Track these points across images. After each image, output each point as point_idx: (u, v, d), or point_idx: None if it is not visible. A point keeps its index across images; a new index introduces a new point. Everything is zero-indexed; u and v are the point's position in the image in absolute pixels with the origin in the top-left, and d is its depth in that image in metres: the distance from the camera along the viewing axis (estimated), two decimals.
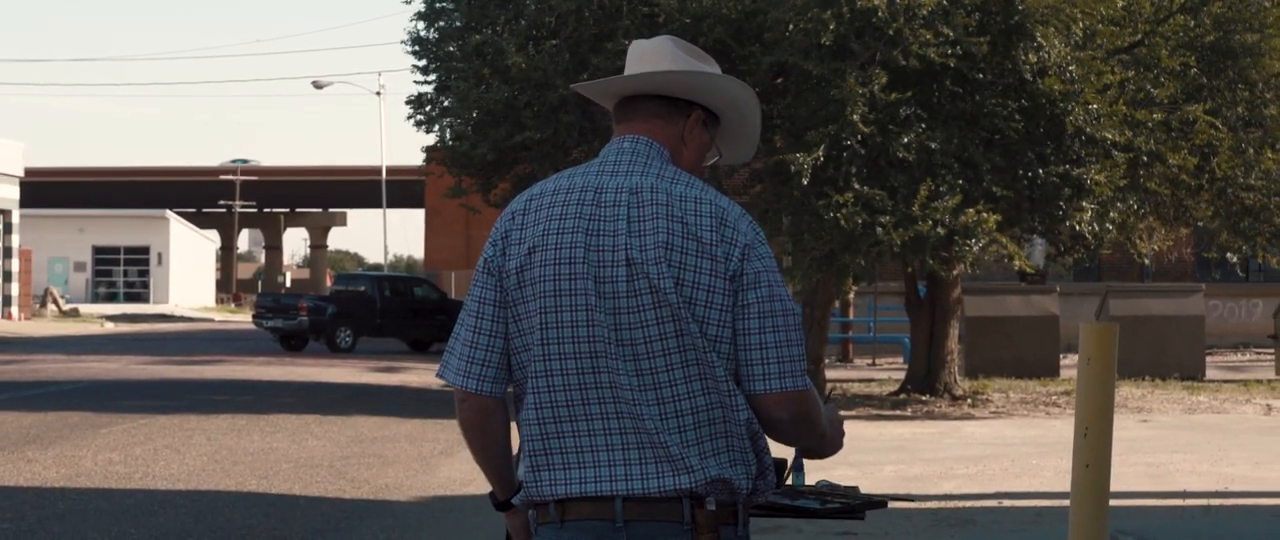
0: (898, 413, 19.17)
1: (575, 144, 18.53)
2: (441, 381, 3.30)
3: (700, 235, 3.15)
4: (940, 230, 16.41)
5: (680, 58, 3.33)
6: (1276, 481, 12.32)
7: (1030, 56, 16.75)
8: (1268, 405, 19.87)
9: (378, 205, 59.87)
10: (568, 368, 3.17)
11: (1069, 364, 24.73)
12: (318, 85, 56.01)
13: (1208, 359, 26.45)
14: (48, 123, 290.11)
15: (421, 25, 19.80)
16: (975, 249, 17.11)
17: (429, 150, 22.37)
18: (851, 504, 4.05)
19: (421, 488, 12.18)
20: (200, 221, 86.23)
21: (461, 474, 12.69)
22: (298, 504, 11.21)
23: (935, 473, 12.83)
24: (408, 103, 20.09)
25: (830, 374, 24.03)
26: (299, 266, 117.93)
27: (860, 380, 24.68)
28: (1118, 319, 23.87)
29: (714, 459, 3.16)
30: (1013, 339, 24.73)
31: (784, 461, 3.56)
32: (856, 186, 16.52)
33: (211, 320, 61.29)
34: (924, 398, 20.61)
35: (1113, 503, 4.98)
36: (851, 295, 29.71)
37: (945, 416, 18.68)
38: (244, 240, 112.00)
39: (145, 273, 76.80)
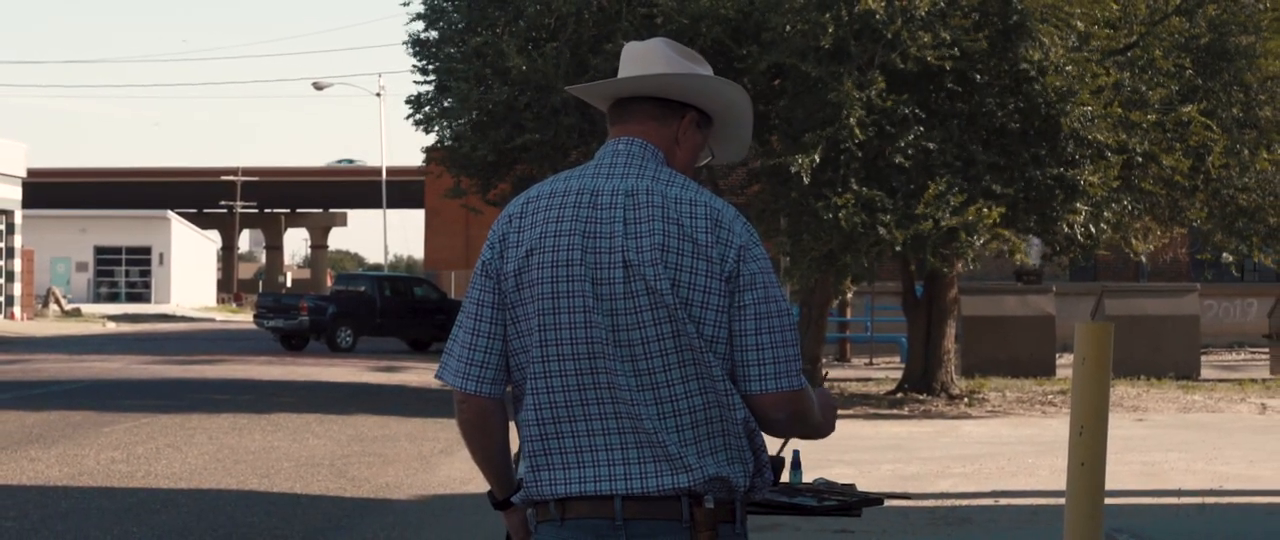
0: (895, 412, 19.21)
1: (574, 145, 18.60)
2: (440, 381, 3.33)
3: (696, 237, 3.18)
4: (943, 227, 16.48)
5: (674, 60, 3.36)
6: (1271, 480, 12.36)
7: (1032, 53, 16.81)
8: (1262, 404, 19.91)
9: (378, 206, 59.95)
10: (566, 368, 3.20)
11: (1065, 363, 24.73)
12: (318, 86, 56.06)
13: (1203, 358, 26.43)
14: (49, 124, 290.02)
15: (422, 27, 19.91)
16: (977, 245, 17.17)
17: (429, 151, 22.44)
18: (848, 502, 4.08)
19: (421, 486, 12.20)
20: (201, 222, 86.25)
21: (461, 473, 12.71)
22: (299, 502, 11.23)
23: (932, 471, 12.87)
24: (408, 102, 20.15)
25: (828, 373, 24.07)
26: (299, 266, 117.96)
27: (857, 379, 24.74)
28: (1113, 319, 23.93)
29: (712, 458, 3.19)
30: (1009, 338, 24.80)
31: (781, 460, 3.58)
32: (855, 187, 16.59)
33: (213, 320, 61.28)
34: (921, 397, 20.65)
35: (1108, 501, 5.00)
36: (849, 295, 29.75)
37: (942, 415, 18.72)
38: (245, 240, 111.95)
39: (147, 273, 76.84)
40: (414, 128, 20.19)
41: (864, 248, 17.31)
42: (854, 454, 13.72)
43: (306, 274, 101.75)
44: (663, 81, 3.34)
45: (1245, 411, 19.08)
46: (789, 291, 19.89)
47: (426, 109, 19.97)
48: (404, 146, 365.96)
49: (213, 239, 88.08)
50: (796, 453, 4.07)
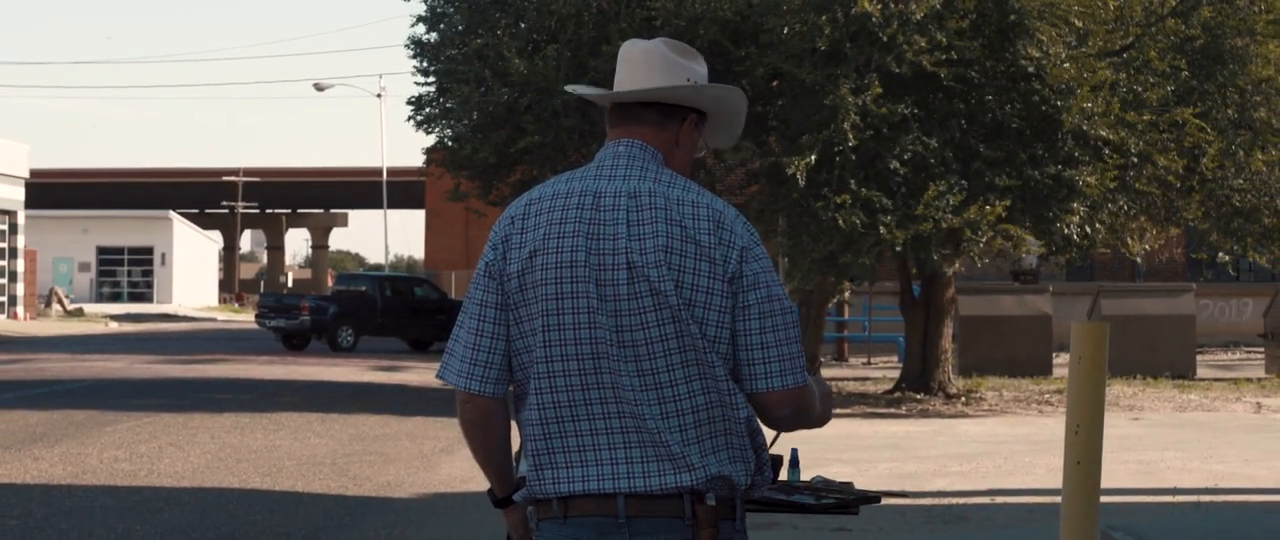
0: (892, 411, 19.22)
1: (575, 147, 18.68)
2: (441, 381, 3.35)
3: (699, 238, 3.21)
4: (944, 227, 16.54)
5: (674, 65, 3.39)
6: (1266, 479, 12.39)
7: (1031, 51, 16.89)
8: (1258, 404, 19.96)
9: (379, 206, 59.98)
10: (570, 369, 3.23)
11: (1061, 363, 24.75)
12: (319, 87, 56.09)
13: (1198, 358, 26.51)
14: (52, 125, 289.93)
15: (422, 29, 20.01)
16: (981, 242, 17.23)
17: (429, 152, 22.52)
18: (846, 499, 4.10)
19: (422, 485, 12.22)
20: (203, 222, 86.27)
21: (462, 471, 12.74)
22: (301, 500, 11.26)
23: (929, 470, 12.90)
24: (408, 104, 20.22)
25: (827, 373, 24.13)
26: (300, 267, 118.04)
27: (855, 379, 24.74)
28: (1110, 318, 23.98)
29: (714, 457, 3.23)
30: (1006, 338, 24.86)
31: (779, 458, 3.60)
32: (853, 188, 16.66)
33: (214, 320, 61.27)
34: (918, 396, 20.69)
35: (1104, 500, 5.04)
36: (847, 295, 29.81)
37: (939, 415, 18.75)
38: (246, 241, 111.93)
39: (149, 273, 76.89)
40: (415, 129, 20.29)
41: (865, 248, 17.38)
42: (852, 453, 13.76)
43: (307, 274, 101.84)
44: (665, 94, 3.38)
45: (1241, 411, 19.11)
46: (787, 291, 19.92)
47: (427, 110, 20.07)
48: (405, 147, 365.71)
49: (214, 239, 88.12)
50: (794, 451, 4.08)
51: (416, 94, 20.21)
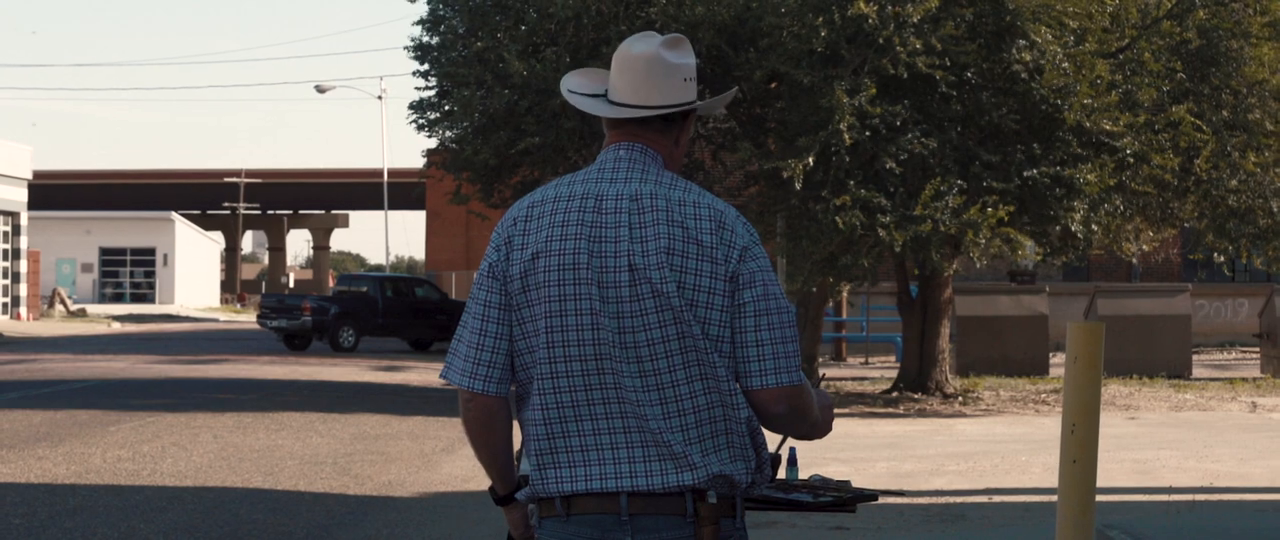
0: (890, 410, 19.28)
1: (575, 148, 18.77)
2: (443, 380, 3.39)
3: (700, 238, 3.26)
4: (944, 228, 16.62)
5: (672, 69, 3.41)
6: (1261, 477, 12.42)
7: (1024, 55, 16.97)
8: (1253, 403, 19.99)
9: (379, 207, 60.04)
10: (573, 370, 3.28)
11: (1058, 362, 24.78)
12: (320, 89, 56.12)
13: (1194, 358, 26.51)
14: (55, 127, 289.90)
15: (423, 32, 20.11)
16: (982, 243, 17.30)
17: (430, 154, 22.61)
18: (843, 498, 4.14)
19: (423, 484, 12.25)
20: (205, 223, 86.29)
21: (463, 471, 12.79)
22: (303, 499, 11.30)
23: (927, 469, 12.95)
24: (410, 107, 20.29)
25: (824, 373, 24.19)
26: (302, 267, 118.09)
27: (853, 379, 24.80)
28: (1106, 318, 24.00)
29: (716, 456, 3.27)
30: (1003, 338, 24.92)
31: (778, 457, 3.63)
32: (852, 189, 16.74)
33: (216, 320, 61.25)
34: (916, 396, 20.74)
35: (1100, 498, 5.10)
36: (845, 295, 29.87)
37: (937, 414, 18.79)
38: (248, 242, 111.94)
39: (151, 274, 76.94)
40: (416, 131, 20.37)
41: (864, 249, 17.45)
42: (850, 452, 13.80)
43: (309, 275, 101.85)
44: (672, 110, 3.42)
45: (1236, 410, 19.14)
46: (785, 290, 19.99)
47: (428, 113, 20.17)
48: (405, 149, 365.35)
49: (216, 240, 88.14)
50: (793, 450, 4.12)
51: (418, 98, 20.32)
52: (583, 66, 17.64)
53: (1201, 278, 30.57)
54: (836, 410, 3.76)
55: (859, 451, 14.07)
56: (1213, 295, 33.47)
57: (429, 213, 52.11)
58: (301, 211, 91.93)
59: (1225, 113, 18.59)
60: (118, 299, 75.45)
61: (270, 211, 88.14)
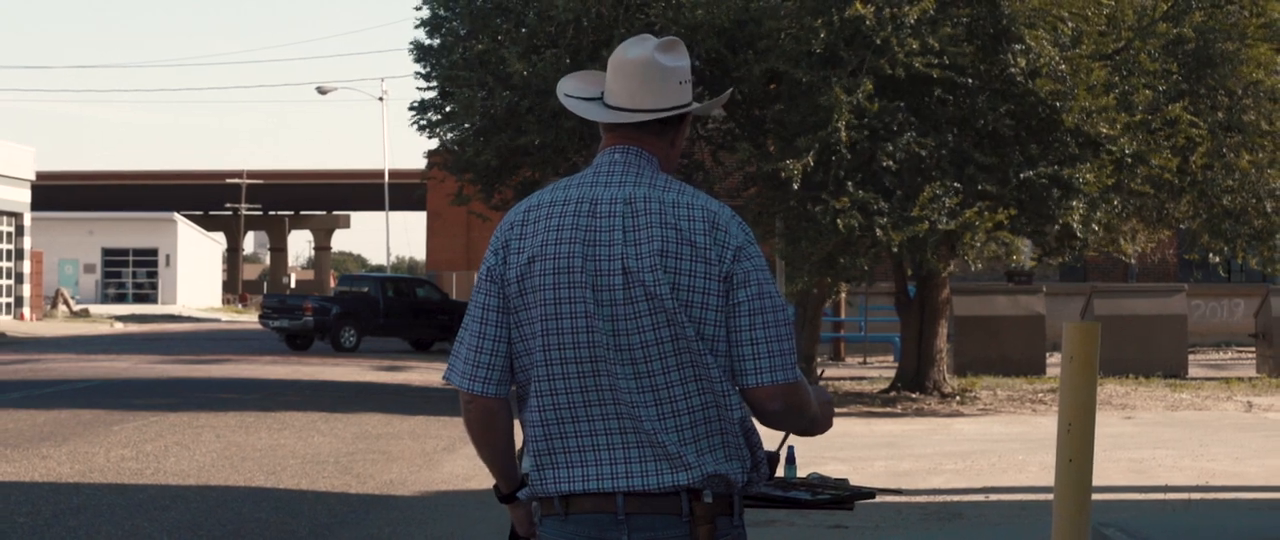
0: (888, 410, 19.32)
1: (575, 149, 18.84)
2: (444, 380, 3.43)
3: (694, 239, 3.28)
4: (940, 229, 16.69)
5: (668, 73, 3.43)
6: (1257, 476, 12.44)
7: (1019, 60, 17.05)
8: (1248, 402, 20.00)
9: (380, 208, 60.09)
10: (569, 372, 3.31)
11: (1055, 362, 24.72)
12: (322, 90, 56.15)
13: (1190, 357, 26.54)
14: (57, 128, 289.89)
15: (424, 33, 20.21)
16: (979, 245, 17.36)
17: (431, 155, 22.68)
18: (841, 496, 4.18)
19: (425, 483, 12.27)
20: (207, 224, 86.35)
21: (464, 470, 12.80)
22: (305, 498, 11.34)
23: (924, 468, 12.99)
24: (411, 108, 20.36)
25: (823, 372, 24.22)
26: (303, 268, 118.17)
27: (852, 378, 24.85)
28: (1102, 318, 24.05)
29: (711, 455, 3.30)
30: (1000, 338, 24.97)
31: (776, 455, 3.64)
32: (850, 190, 16.82)
33: (218, 320, 61.25)
34: (914, 395, 20.80)
35: (1096, 497, 5.14)
36: (843, 295, 29.92)
37: (934, 413, 18.84)
38: (249, 242, 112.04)
39: (154, 274, 77.03)
40: (418, 132, 20.43)
41: (862, 249, 17.51)
42: (848, 451, 13.82)
43: (310, 275, 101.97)
44: (669, 114, 3.44)
45: (1232, 409, 19.16)
46: (783, 291, 20.06)
47: (430, 114, 20.26)
48: (406, 150, 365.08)
49: (218, 241, 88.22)
50: (791, 449, 4.14)
51: (419, 99, 20.40)
52: (582, 68, 17.81)
53: (1197, 278, 30.58)
54: (835, 410, 3.82)
55: (857, 450, 14.12)
56: (1209, 295, 33.47)
57: (430, 213, 52.15)
58: (303, 212, 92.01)
59: (1221, 113, 18.64)
60: (120, 299, 75.53)
61: (272, 212, 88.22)
